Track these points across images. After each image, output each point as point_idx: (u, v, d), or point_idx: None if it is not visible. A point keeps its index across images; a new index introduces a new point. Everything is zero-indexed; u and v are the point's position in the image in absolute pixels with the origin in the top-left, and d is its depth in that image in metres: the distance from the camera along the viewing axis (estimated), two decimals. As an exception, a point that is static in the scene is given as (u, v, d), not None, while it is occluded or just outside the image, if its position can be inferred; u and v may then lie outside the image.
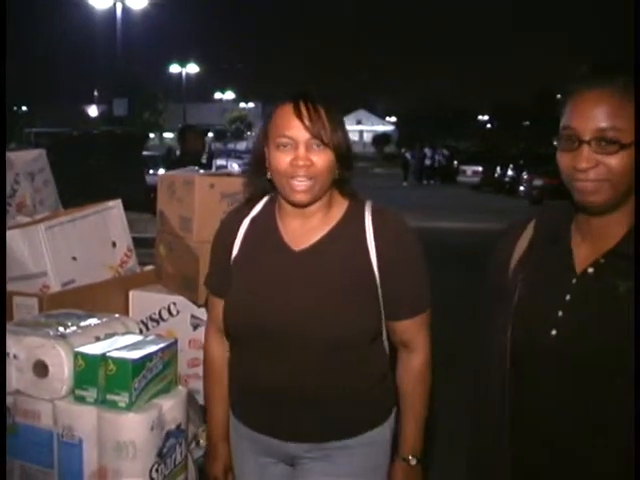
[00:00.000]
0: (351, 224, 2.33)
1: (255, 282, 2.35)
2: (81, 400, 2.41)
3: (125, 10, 33.79)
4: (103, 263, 3.52)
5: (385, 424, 2.41)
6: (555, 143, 1.86)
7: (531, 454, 1.95)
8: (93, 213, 3.53)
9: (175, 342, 2.61)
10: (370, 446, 2.38)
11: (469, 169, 38.68)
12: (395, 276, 2.29)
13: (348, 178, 2.34)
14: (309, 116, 2.19)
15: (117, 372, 2.35)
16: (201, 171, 3.89)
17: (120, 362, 2.36)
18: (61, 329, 2.58)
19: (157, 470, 2.42)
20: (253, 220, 2.42)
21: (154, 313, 3.39)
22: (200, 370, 2.72)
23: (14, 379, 2.49)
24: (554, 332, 1.87)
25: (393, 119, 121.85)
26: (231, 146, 61.51)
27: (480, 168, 36.41)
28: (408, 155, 42.22)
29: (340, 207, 2.36)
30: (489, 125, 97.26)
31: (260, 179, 2.36)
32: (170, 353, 2.55)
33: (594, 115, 1.77)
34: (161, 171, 17.42)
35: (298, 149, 2.20)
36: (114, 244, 3.59)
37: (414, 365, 2.39)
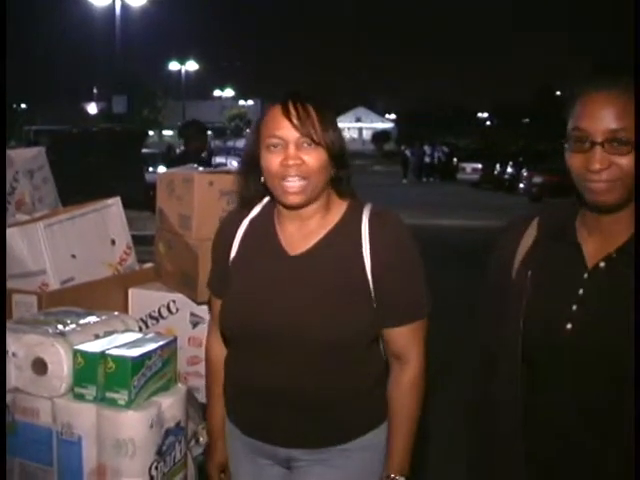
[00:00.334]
0: (348, 228, 2.30)
1: (251, 285, 2.33)
2: (80, 398, 2.41)
3: (124, 7, 33.80)
4: (102, 261, 3.52)
5: (382, 426, 2.37)
6: (566, 146, 1.86)
7: (545, 448, 1.96)
8: (92, 211, 3.52)
9: (174, 340, 2.61)
10: (368, 450, 2.35)
11: (468, 166, 38.77)
12: (390, 282, 2.24)
13: (345, 177, 2.31)
14: (298, 115, 2.18)
15: (116, 370, 2.35)
16: (200, 168, 3.88)
17: (119, 360, 2.36)
18: (60, 327, 2.57)
19: (156, 468, 2.42)
20: (252, 222, 2.41)
21: (153, 311, 3.38)
22: (200, 368, 2.72)
23: (13, 377, 2.48)
24: (569, 326, 1.89)
25: (393, 116, 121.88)
26: (230, 144, 61.48)
27: (479, 165, 36.51)
28: (408, 152, 42.23)
29: (338, 210, 2.33)
30: (488, 122, 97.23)
31: (254, 182, 2.35)
32: (169, 351, 2.55)
33: (604, 116, 1.78)
34: (160, 168, 17.44)
35: (288, 149, 2.18)
36: (113, 242, 3.59)
37: (407, 378, 2.33)
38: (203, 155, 8.18)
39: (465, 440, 2.23)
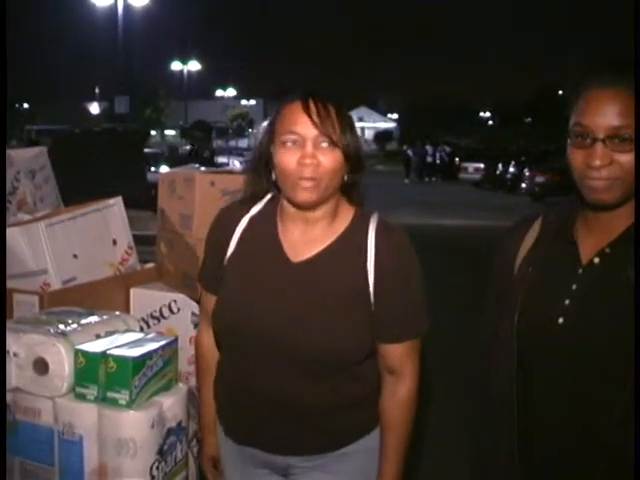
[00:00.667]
0: (353, 239, 2.24)
1: (249, 288, 2.27)
2: (81, 398, 2.41)
3: (126, 7, 33.80)
4: (104, 261, 3.52)
5: (377, 430, 2.33)
6: (568, 141, 1.86)
7: (539, 446, 1.96)
8: (94, 211, 3.52)
9: (175, 340, 2.61)
10: (365, 453, 2.31)
11: (470, 166, 38.73)
12: (391, 299, 2.20)
13: (357, 182, 2.27)
14: (318, 113, 2.11)
15: (117, 370, 2.36)
16: (202, 168, 3.89)
17: (120, 360, 2.36)
18: (61, 327, 2.58)
19: (157, 468, 2.43)
20: (252, 220, 2.34)
21: (155, 311, 3.38)
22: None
23: (14, 376, 2.49)
24: (561, 320, 1.89)
25: (395, 116, 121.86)
26: (232, 143, 61.58)
27: (482, 165, 36.47)
28: (410, 152, 42.20)
29: (345, 218, 2.27)
30: (491, 122, 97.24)
31: (263, 180, 2.29)
32: (170, 351, 2.55)
33: (608, 112, 1.78)
34: (163, 168, 17.44)
35: (305, 147, 2.11)
36: (115, 242, 3.59)
37: (401, 393, 2.29)
38: (205, 155, 8.22)
39: (467, 441, 2.23)
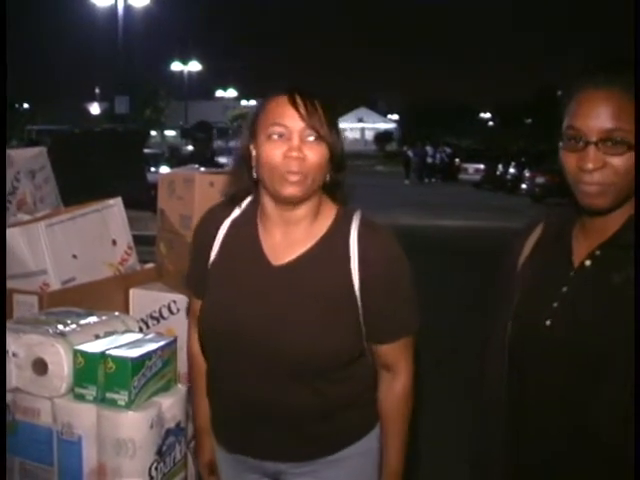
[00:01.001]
0: (335, 240, 2.19)
1: (231, 294, 2.25)
2: (80, 398, 2.42)
3: (127, 7, 33.82)
4: (103, 261, 3.52)
5: (372, 432, 2.32)
6: (561, 144, 1.85)
7: (530, 444, 1.96)
8: (93, 211, 3.53)
9: (174, 340, 2.61)
10: (358, 458, 2.29)
11: (471, 167, 38.73)
12: (378, 298, 2.16)
13: (340, 182, 2.23)
14: (305, 106, 2.08)
15: (116, 370, 2.36)
16: (202, 169, 3.89)
17: (119, 360, 2.36)
18: (61, 327, 2.58)
19: (156, 468, 2.43)
20: (233, 223, 2.31)
21: (154, 311, 3.38)
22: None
23: (14, 377, 2.49)
24: (548, 322, 1.89)
25: (395, 117, 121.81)
26: (233, 144, 61.55)
27: (482, 166, 36.46)
28: (410, 153, 42.21)
29: (327, 218, 2.23)
30: (491, 123, 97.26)
31: (244, 178, 2.24)
32: (170, 351, 2.55)
33: (601, 115, 1.75)
34: (163, 169, 17.42)
35: (292, 139, 2.07)
36: (114, 242, 3.59)
37: (397, 389, 2.28)
38: (206, 155, 8.23)
39: (467, 441, 2.23)
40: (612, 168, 1.75)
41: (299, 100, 2.09)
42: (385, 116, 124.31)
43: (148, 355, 2.43)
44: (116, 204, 3.64)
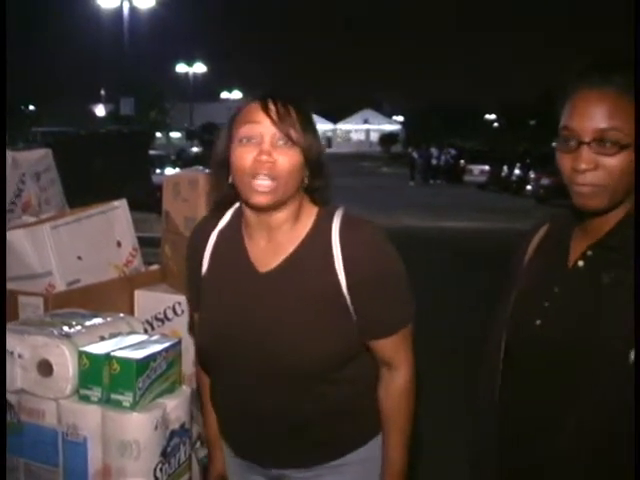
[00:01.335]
0: (317, 241, 2.16)
1: (222, 305, 2.25)
2: (85, 399, 2.42)
3: (132, 9, 33.88)
4: (108, 263, 3.53)
5: (376, 438, 2.29)
6: (554, 144, 1.85)
7: (516, 445, 1.96)
8: (98, 213, 3.54)
9: (179, 342, 2.61)
10: (362, 464, 2.27)
11: (476, 168, 38.65)
12: (368, 296, 2.13)
13: (321, 188, 2.19)
14: (277, 111, 2.06)
15: (121, 372, 2.36)
16: (207, 170, 3.90)
17: (124, 362, 2.36)
18: (66, 328, 2.58)
19: (161, 469, 2.43)
20: (221, 233, 2.30)
21: (159, 312, 3.39)
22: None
23: (19, 378, 2.49)
24: (538, 322, 1.90)
25: (400, 118, 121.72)
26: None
27: (487, 167, 36.38)
28: (415, 154, 42.21)
29: (308, 219, 2.20)
30: (496, 124, 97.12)
31: (223, 184, 2.21)
32: (174, 353, 2.55)
33: (594, 115, 1.75)
34: (168, 170, 17.42)
35: (263, 143, 2.05)
36: (119, 244, 3.60)
37: (397, 384, 2.25)
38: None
39: (467, 441, 2.24)
40: (605, 169, 1.74)
41: (271, 105, 2.07)
42: (390, 118, 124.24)
43: (153, 356, 2.44)
44: (121, 206, 3.65)
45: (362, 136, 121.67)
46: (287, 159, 2.06)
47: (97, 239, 3.48)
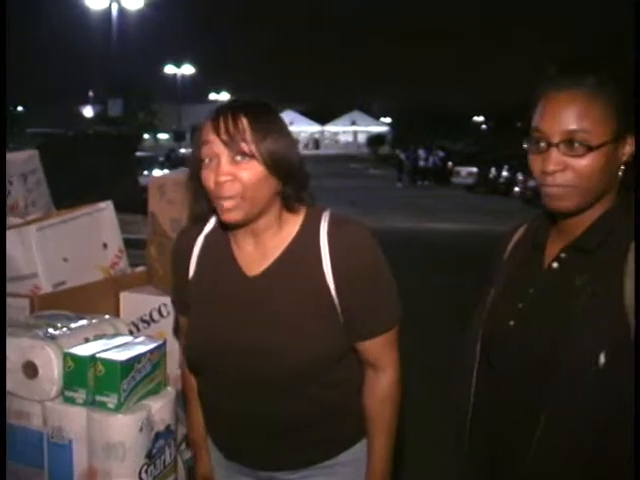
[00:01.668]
0: (305, 242, 2.16)
1: (211, 309, 2.25)
2: (70, 401, 2.41)
3: (121, 11, 33.83)
4: (94, 264, 3.53)
5: (365, 439, 2.30)
6: (525, 146, 1.87)
7: (493, 443, 1.97)
8: (84, 214, 3.53)
9: (164, 343, 2.61)
10: (352, 464, 2.28)
11: (463, 170, 38.67)
12: (356, 296, 2.13)
13: (292, 194, 2.15)
14: (226, 130, 2.02)
15: (106, 373, 2.36)
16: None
17: (109, 363, 2.36)
18: (51, 330, 2.58)
19: (147, 471, 2.43)
20: (207, 237, 2.31)
21: (145, 314, 3.39)
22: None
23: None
24: (512, 322, 1.91)
25: (388, 120, 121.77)
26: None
27: (474, 169, 36.42)
28: (402, 156, 42.25)
29: (295, 221, 2.19)
30: (484, 126, 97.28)
31: (201, 201, 2.21)
32: (159, 354, 2.55)
33: (563, 117, 1.76)
34: (156, 172, 17.38)
35: (220, 165, 2.03)
36: (105, 245, 3.60)
37: (382, 385, 2.25)
38: None
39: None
40: (574, 170, 1.75)
41: (222, 124, 2.04)
42: (378, 119, 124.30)
43: (137, 358, 2.44)
44: (107, 207, 3.64)
45: (350, 138, 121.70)
46: (248, 173, 2.04)
47: (83, 241, 3.48)
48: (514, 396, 1.90)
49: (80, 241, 3.46)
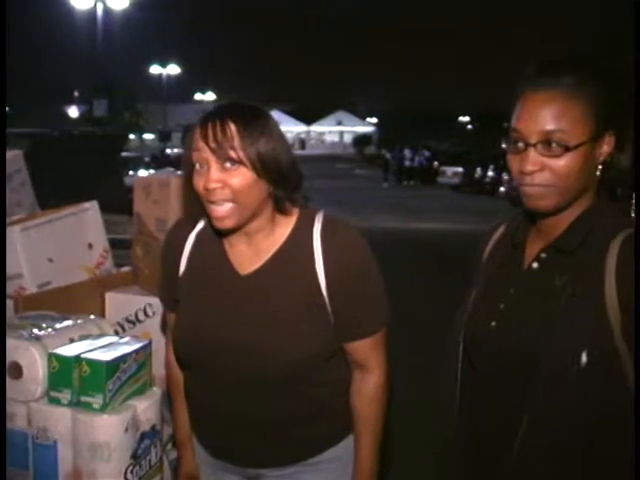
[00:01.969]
0: (299, 242, 2.18)
1: (203, 307, 2.25)
2: (55, 402, 2.41)
3: (106, 11, 33.73)
4: (79, 264, 3.52)
5: (350, 437, 2.32)
6: (503, 146, 1.87)
7: (477, 442, 1.98)
8: (69, 215, 3.52)
9: (149, 343, 2.61)
10: (338, 461, 2.30)
11: (449, 170, 38.74)
12: (346, 296, 2.15)
13: (284, 196, 2.15)
14: (214, 137, 2.02)
15: (91, 374, 2.36)
16: (178, 172, 3.89)
17: (94, 364, 2.36)
18: (35, 331, 2.58)
19: (132, 472, 2.43)
20: (199, 235, 2.31)
21: (130, 314, 3.39)
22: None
23: (-12, 381, 2.48)
24: (493, 324, 1.91)
25: (374, 120, 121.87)
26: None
27: (460, 169, 36.49)
28: (388, 156, 42.28)
29: (288, 222, 2.20)
30: (470, 126, 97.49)
31: (195, 201, 2.16)
32: (144, 354, 2.55)
33: (540, 117, 1.76)
34: (141, 172, 17.33)
35: (209, 171, 2.03)
36: (90, 245, 3.59)
37: (369, 386, 2.26)
38: None
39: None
40: (552, 170, 1.76)
41: (209, 131, 2.03)
42: (364, 119, 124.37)
43: (123, 358, 2.43)
44: (92, 207, 3.64)
45: (336, 138, 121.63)
46: (237, 179, 2.04)
47: (68, 241, 3.47)
48: (497, 397, 1.90)
49: (65, 241, 3.45)
